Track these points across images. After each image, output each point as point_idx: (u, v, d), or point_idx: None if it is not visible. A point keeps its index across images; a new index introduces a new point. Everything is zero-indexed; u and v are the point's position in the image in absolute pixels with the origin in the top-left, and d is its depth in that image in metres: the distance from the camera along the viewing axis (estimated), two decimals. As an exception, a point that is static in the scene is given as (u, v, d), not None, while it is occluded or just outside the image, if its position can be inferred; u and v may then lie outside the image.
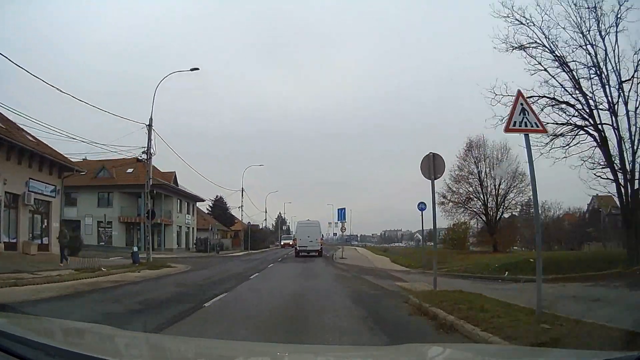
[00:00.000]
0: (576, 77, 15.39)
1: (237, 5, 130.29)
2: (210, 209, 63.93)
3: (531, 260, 14.38)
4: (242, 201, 53.27)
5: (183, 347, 2.85)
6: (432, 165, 10.46)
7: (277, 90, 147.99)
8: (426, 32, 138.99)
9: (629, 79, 14.44)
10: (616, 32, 14.38)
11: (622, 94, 14.69)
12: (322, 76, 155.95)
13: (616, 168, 14.88)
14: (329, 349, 4.16)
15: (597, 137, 15.24)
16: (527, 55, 15.75)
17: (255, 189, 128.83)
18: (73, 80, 79.44)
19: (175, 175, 45.18)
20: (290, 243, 45.11)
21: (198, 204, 54.66)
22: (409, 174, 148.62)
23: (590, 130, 15.42)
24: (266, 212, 72.84)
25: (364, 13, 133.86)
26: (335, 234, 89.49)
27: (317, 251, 31.85)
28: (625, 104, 14.62)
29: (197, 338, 4.71)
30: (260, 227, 70.61)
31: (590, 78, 15.18)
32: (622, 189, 14.88)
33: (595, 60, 14.95)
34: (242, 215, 52.72)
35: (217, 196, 63.47)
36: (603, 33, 14.68)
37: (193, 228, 50.87)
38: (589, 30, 14.85)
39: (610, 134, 15.07)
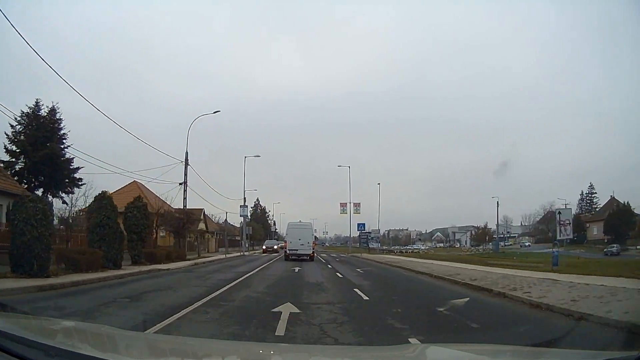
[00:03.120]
0: None
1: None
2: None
3: None
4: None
5: (182, 347, 2.86)
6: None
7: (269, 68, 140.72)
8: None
9: None
10: None
11: None
12: (326, 55, 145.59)
13: None
14: (333, 349, 4.14)
15: None
16: None
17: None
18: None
19: None
20: None
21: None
22: (411, 170, 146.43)
23: None
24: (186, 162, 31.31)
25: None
26: (361, 227, 46.26)
27: (309, 255, 29.97)
28: None
29: (197, 338, 4.70)
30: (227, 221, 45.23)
31: None
32: None
33: None
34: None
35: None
36: None
37: None
38: None
39: None
